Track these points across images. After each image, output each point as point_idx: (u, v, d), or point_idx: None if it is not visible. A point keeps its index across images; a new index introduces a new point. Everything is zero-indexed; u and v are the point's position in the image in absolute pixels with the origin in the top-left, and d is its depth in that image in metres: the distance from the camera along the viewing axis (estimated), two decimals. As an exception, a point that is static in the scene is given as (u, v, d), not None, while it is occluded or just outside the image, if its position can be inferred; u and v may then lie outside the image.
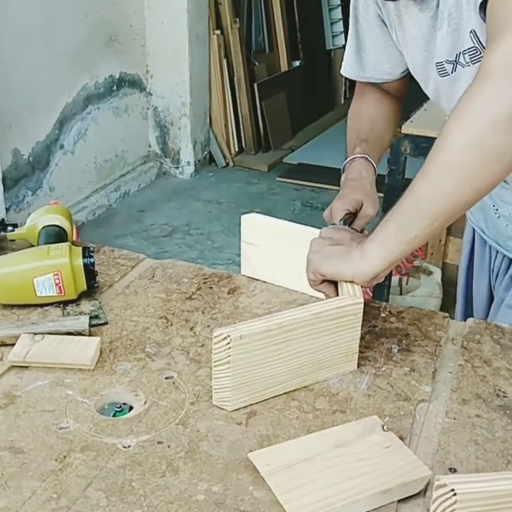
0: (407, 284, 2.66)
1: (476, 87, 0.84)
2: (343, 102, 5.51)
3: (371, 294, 2.48)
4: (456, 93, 1.01)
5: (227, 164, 4.47)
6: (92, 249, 1.07)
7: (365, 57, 1.21)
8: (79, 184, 3.69)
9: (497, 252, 1.23)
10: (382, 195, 2.35)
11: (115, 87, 3.88)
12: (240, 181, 4.27)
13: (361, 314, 0.89)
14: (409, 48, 1.10)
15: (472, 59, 0.97)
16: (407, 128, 2.19)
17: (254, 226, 1.12)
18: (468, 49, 0.96)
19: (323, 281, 0.95)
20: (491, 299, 1.30)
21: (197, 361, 0.93)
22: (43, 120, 3.37)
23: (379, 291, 2.44)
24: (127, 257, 1.20)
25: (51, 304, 1.05)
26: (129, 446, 0.79)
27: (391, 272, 2.50)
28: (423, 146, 2.20)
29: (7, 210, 3.10)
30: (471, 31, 0.95)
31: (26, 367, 0.91)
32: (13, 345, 0.94)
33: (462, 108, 0.84)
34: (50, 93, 3.38)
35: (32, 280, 1.01)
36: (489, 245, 1.25)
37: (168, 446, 0.79)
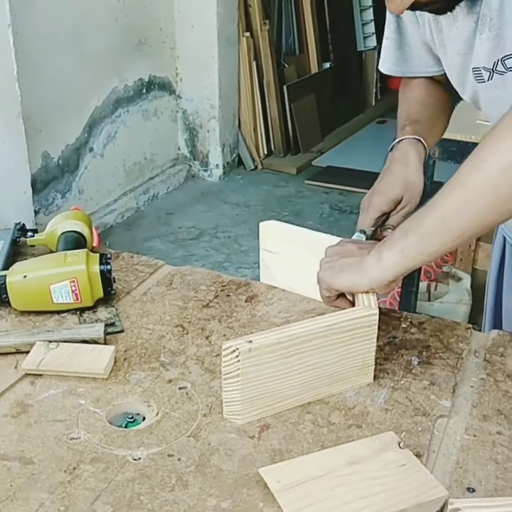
0: (435, 289, 2.62)
1: None
2: (374, 104, 5.46)
3: (399, 299, 2.45)
4: (495, 100, 0.98)
5: (256, 167, 4.46)
6: (109, 256, 1.06)
7: (408, 51, 1.16)
8: (108, 187, 3.71)
9: None
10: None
11: (144, 90, 3.90)
12: (269, 184, 4.26)
13: (376, 326, 0.86)
14: (447, 49, 1.06)
15: None
16: (436, 131, 2.15)
17: (273, 233, 1.10)
18: None
19: (338, 296, 0.93)
20: None
21: (211, 371, 0.92)
22: (73, 123, 3.40)
23: (407, 297, 2.41)
24: (146, 264, 1.20)
25: (68, 311, 1.04)
26: (139, 459, 0.77)
27: (419, 277, 2.46)
28: (452, 149, 2.16)
29: (36, 212, 3.13)
30: None
31: (40, 375, 0.91)
32: (27, 352, 0.93)
33: (502, 131, 0.82)
34: (80, 96, 3.40)
35: (48, 287, 1.01)
36: None
37: (179, 460, 0.77)
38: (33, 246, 1.21)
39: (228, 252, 3.41)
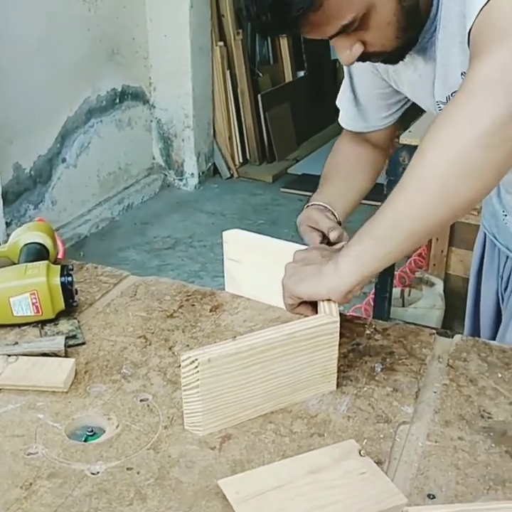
0: (409, 295, 2.63)
1: (456, 103, 0.82)
2: (348, 111, 5.49)
3: (373, 305, 2.45)
4: None
5: (232, 175, 4.47)
6: (71, 267, 1.05)
7: (363, 110, 1.22)
8: (82, 197, 3.69)
9: (507, 258, 1.23)
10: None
11: (118, 100, 3.89)
12: (244, 192, 4.26)
13: (338, 333, 0.86)
14: (412, 93, 1.12)
15: None
16: (406, 138, 2.17)
17: (237, 242, 1.10)
18: None
19: (301, 303, 0.93)
20: (498, 309, 1.28)
21: (174, 382, 0.91)
22: (45, 134, 3.38)
23: (380, 302, 2.41)
24: (110, 274, 1.19)
25: (29, 324, 1.03)
26: (98, 473, 0.76)
27: (393, 282, 2.48)
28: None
29: (8, 224, 3.10)
30: (461, 73, 0.94)
31: (-1, 389, 0.89)
32: (-14, 367, 0.92)
33: (441, 123, 0.82)
34: (52, 107, 3.38)
35: (8, 300, 0.99)
36: (499, 249, 1.25)
37: (138, 473, 0.76)
38: (-5, 258, 1.19)
39: (204, 261, 3.40)
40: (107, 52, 3.73)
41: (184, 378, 0.80)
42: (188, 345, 0.99)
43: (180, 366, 0.93)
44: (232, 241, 1.10)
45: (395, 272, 2.55)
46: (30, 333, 1.02)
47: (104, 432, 0.83)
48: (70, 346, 0.97)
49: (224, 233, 1.10)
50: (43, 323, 1.03)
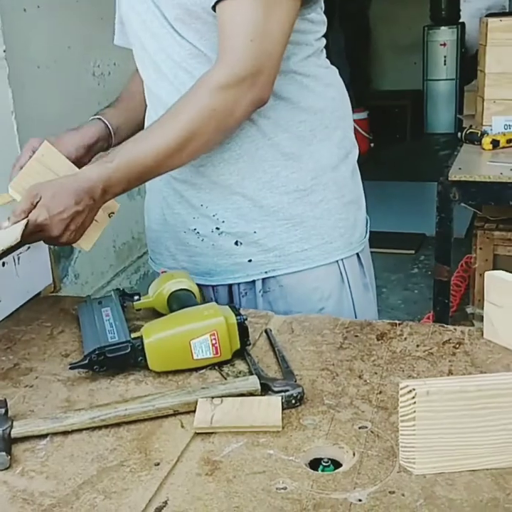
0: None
1: None
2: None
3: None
4: None
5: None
6: (238, 306, 1.03)
7: (127, 26, 1.28)
8: (101, 269, 3.65)
9: None
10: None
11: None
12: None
13: None
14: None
15: None
16: (455, 175, 2.21)
17: (500, 284, 1.01)
18: None
19: None
20: None
21: (384, 408, 0.89)
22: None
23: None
24: (256, 315, 1.17)
25: (205, 367, 1.00)
26: (361, 500, 0.73)
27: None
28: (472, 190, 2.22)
29: (39, 299, 3.04)
30: None
31: (211, 432, 0.86)
32: (186, 412, 0.89)
33: None
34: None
35: (189, 343, 0.97)
36: None
37: (403, 495, 0.74)
38: (139, 310, 1.17)
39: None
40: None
41: (401, 408, 0.76)
42: (376, 373, 0.97)
43: (380, 393, 0.92)
44: (495, 282, 1.02)
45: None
46: (210, 376, 0.99)
47: (338, 462, 0.81)
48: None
49: (486, 274, 1.04)
50: (219, 365, 1.00)
